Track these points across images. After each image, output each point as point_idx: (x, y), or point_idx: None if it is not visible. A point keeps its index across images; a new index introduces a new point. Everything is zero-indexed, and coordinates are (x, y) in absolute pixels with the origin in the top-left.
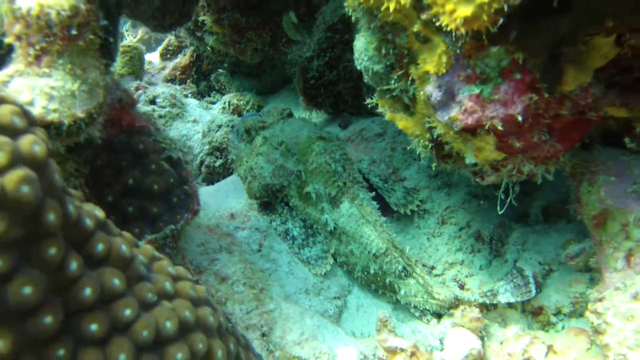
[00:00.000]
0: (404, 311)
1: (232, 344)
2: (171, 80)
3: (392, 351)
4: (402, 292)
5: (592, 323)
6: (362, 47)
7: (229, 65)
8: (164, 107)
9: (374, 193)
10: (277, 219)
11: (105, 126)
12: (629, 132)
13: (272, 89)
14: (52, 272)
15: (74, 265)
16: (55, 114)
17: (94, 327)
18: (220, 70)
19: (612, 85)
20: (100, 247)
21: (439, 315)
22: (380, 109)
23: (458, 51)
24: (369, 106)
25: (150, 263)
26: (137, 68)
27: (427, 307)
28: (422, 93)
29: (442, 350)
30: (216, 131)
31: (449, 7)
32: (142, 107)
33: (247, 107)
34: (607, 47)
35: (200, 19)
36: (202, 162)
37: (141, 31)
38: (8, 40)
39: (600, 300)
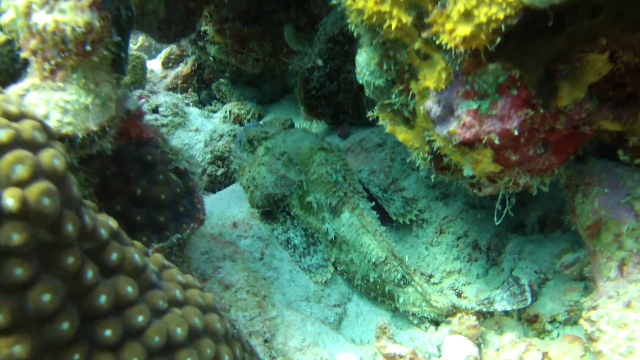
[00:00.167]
0: (403, 319)
1: (238, 350)
2: (173, 88)
3: (390, 357)
4: (401, 300)
5: (586, 330)
6: (364, 62)
7: (230, 74)
8: (166, 116)
9: (373, 203)
10: (278, 228)
11: (115, 137)
12: (622, 145)
13: (273, 98)
14: (69, 280)
15: (89, 273)
16: (69, 127)
17: (108, 332)
18: (221, 80)
19: (605, 100)
20: (114, 256)
21: (436, 323)
22: (380, 122)
23: (457, 68)
24: (370, 118)
25: (160, 271)
26: (139, 77)
27: (425, 315)
28: (422, 108)
29: (439, 357)
30: (218, 140)
31: (448, 26)
32: (145, 116)
33: (248, 116)
34: (601, 64)
35: (203, 28)
36: (204, 171)
37: (141, 38)
38: (24, 55)
39: (594, 308)
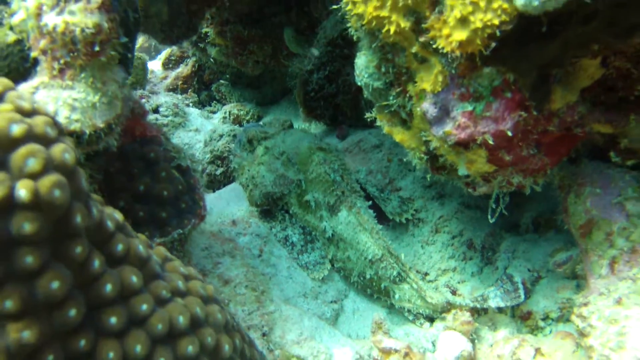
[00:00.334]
0: (398, 315)
1: (238, 340)
2: (173, 89)
3: (386, 352)
4: (397, 296)
5: (578, 326)
6: (363, 64)
7: (230, 76)
8: (166, 116)
9: (370, 202)
10: (277, 226)
11: (120, 135)
12: (614, 147)
13: (272, 100)
14: (77, 269)
15: (96, 263)
16: (77, 124)
17: (113, 320)
18: (221, 81)
19: (598, 104)
20: (120, 247)
21: (431, 319)
22: (378, 123)
23: (453, 71)
24: (368, 120)
25: (163, 263)
26: (140, 77)
27: (421, 311)
28: (418, 109)
29: (434, 352)
30: (218, 140)
31: (445, 31)
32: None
33: (247, 117)
34: (593, 69)
35: (204, 30)
36: (203, 170)
37: (141, 39)
38: (34, 54)
39: (585, 304)
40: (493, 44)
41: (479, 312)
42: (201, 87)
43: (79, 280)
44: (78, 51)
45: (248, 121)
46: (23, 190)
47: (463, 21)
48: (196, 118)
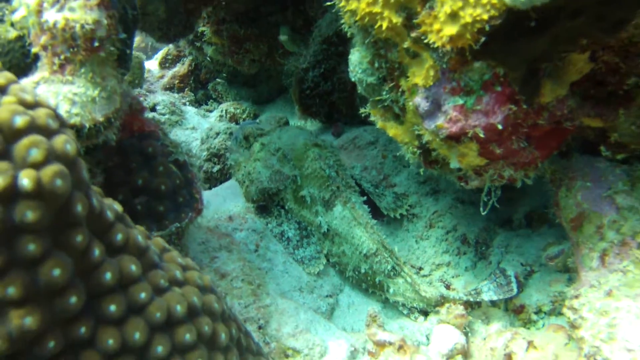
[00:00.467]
0: (393, 309)
1: (234, 329)
2: (170, 88)
3: (380, 344)
4: (391, 290)
5: (569, 318)
6: (357, 60)
7: (227, 74)
8: (163, 115)
9: (365, 197)
10: (273, 221)
11: (118, 130)
12: (604, 141)
13: (268, 98)
14: (77, 257)
15: (96, 251)
16: (77, 117)
17: (112, 307)
18: (218, 80)
19: (587, 98)
20: (119, 236)
21: (425, 313)
22: (372, 118)
23: (444, 66)
24: (362, 115)
25: (161, 254)
26: (137, 76)
27: (415, 305)
28: (411, 103)
29: (428, 345)
30: (214, 138)
31: (436, 26)
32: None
33: (244, 116)
34: (582, 63)
35: (200, 29)
36: (200, 168)
37: (138, 39)
38: (34, 50)
39: (576, 297)
40: (483, 39)
41: (472, 306)
42: (198, 86)
43: (80, 268)
44: (78, 47)
45: (244, 119)
46: (26, 180)
47: (453, 16)
48: (193, 116)
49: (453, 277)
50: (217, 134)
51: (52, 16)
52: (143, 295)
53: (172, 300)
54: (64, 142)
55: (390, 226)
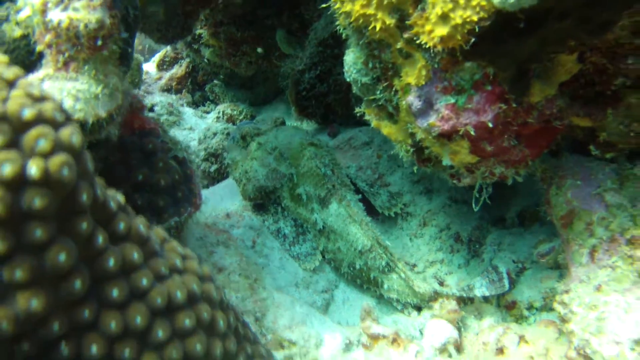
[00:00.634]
0: (387, 305)
1: (232, 318)
2: (167, 90)
3: (374, 337)
4: (386, 286)
5: (559, 312)
6: (352, 61)
7: (224, 76)
8: (161, 115)
9: (360, 196)
10: (269, 219)
11: (120, 126)
12: (593, 140)
13: (265, 100)
14: (82, 244)
15: (100, 239)
16: (81, 113)
17: (115, 292)
18: (215, 82)
19: (576, 98)
20: (122, 225)
21: (419, 309)
22: (367, 117)
23: (436, 65)
24: (358, 115)
25: (162, 243)
26: (135, 78)
27: (409, 301)
28: (404, 102)
29: (421, 339)
30: (212, 138)
31: (427, 27)
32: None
33: (241, 117)
34: (570, 64)
35: (198, 32)
36: (198, 167)
37: (136, 41)
38: (39, 48)
39: (566, 292)
40: (473, 40)
41: (465, 302)
42: (195, 88)
43: (84, 254)
44: (81, 45)
45: (241, 121)
46: (34, 168)
47: (444, 18)
48: (190, 117)
49: (446, 274)
50: (215, 134)
51: (56, 15)
52: (144, 281)
53: (173, 286)
54: (70, 134)
55: (385, 224)
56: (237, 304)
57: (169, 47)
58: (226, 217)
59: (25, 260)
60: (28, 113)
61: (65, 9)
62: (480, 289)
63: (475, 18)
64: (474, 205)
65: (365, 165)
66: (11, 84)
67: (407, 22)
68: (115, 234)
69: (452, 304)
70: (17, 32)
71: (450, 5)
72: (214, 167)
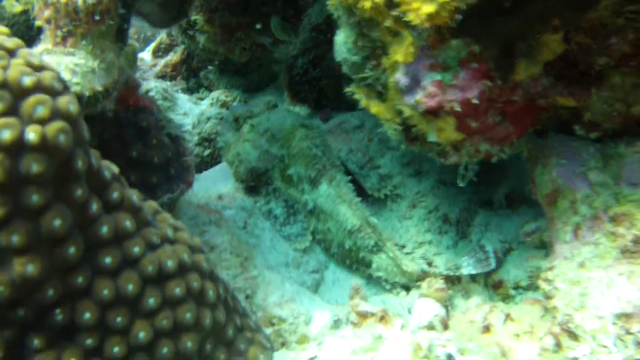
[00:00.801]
0: (376, 286)
1: (222, 289)
2: (162, 76)
3: (363, 315)
4: (374, 265)
5: (544, 289)
6: (342, 40)
7: (218, 63)
8: (156, 100)
9: (350, 177)
10: (261, 200)
11: (115, 101)
12: (578, 120)
13: (259, 86)
14: (77, 210)
15: (94, 206)
16: (77, 86)
17: (108, 260)
18: (209, 68)
19: (561, 78)
20: (115, 194)
21: (407, 289)
22: (356, 97)
23: (423, 43)
24: (349, 99)
25: (154, 214)
26: (130, 63)
27: (397, 280)
28: (392, 80)
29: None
30: (205, 123)
31: (415, 5)
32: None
33: (234, 104)
34: (555, 44)
35: (193, 18)
36: (191, 151)
37: (131, 30)
38: (38, 23)
39: (550, 269)
40: (459, 17)
41: (453, 281)
42: (190, 75)
43: (78, 221)
44: (79, 20)
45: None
46: (32, 134)
47: None
48: (184, 102)
49: (435, 255)
50: (208, 119)
51: None
52: (137, 249)
53: (164, 255)
54: (68, 102)
55: (375, 206)
56: (227, 282)
57: (164, 35)
58: (218, 198)
59: (22, 225)
60: (27, 80)
61: None
62: (467, 268)
63: None
64: (459, 181)
65: (355, 148)
66: (12, 53)
67: (395, 0)
68: (108, 203)
69: (440, 283)
70: (17, 8)
71: None
72: (207, 152)
